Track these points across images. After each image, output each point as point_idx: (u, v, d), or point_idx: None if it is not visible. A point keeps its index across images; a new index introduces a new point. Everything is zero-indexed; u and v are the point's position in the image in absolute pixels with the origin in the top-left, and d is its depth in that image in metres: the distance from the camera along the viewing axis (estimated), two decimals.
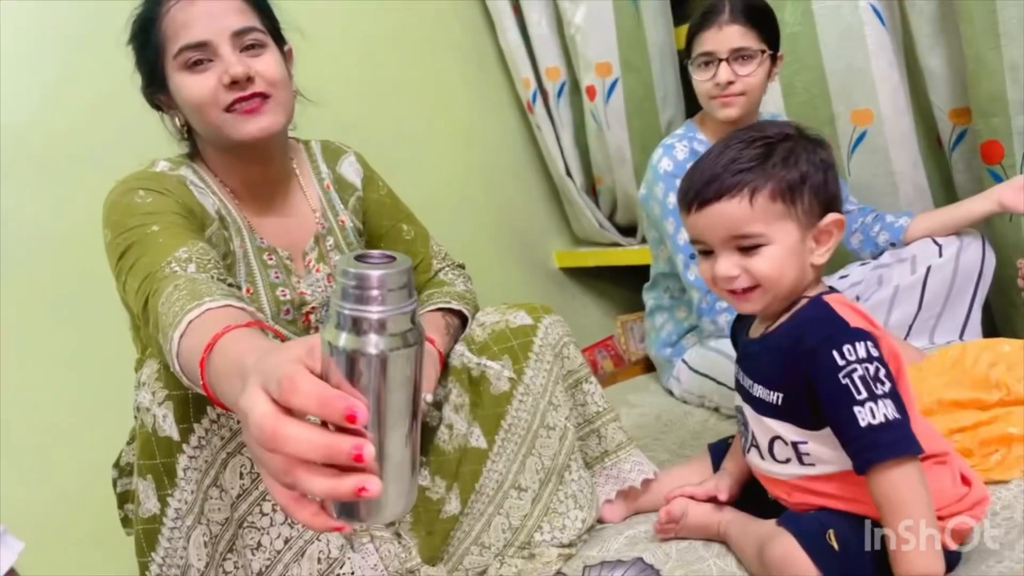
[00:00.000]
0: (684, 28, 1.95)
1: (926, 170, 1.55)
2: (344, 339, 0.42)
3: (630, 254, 2.09)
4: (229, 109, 0.86)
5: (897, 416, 0.72)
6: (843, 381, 0.73)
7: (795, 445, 0.81)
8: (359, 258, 0.43)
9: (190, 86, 0.86)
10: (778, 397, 0.80)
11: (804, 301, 0.81)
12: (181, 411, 0.72)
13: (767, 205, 0.77)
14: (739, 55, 1.28)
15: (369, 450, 0.41)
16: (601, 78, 1.96)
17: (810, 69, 1.56)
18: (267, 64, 0.88)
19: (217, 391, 0.56)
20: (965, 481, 0.79)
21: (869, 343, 0.74)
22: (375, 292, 0.42)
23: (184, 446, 0.72)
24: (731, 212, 0.77)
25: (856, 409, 0.72)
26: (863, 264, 1.44)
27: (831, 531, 0.76)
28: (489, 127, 2.19)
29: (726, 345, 1.38)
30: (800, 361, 0.76)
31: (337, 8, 1.76)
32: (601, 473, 1.02)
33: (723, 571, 0.85)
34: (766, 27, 1.31)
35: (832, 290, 0.83)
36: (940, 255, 1.33)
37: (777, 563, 0.77)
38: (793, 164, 0.78)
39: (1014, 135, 1.37)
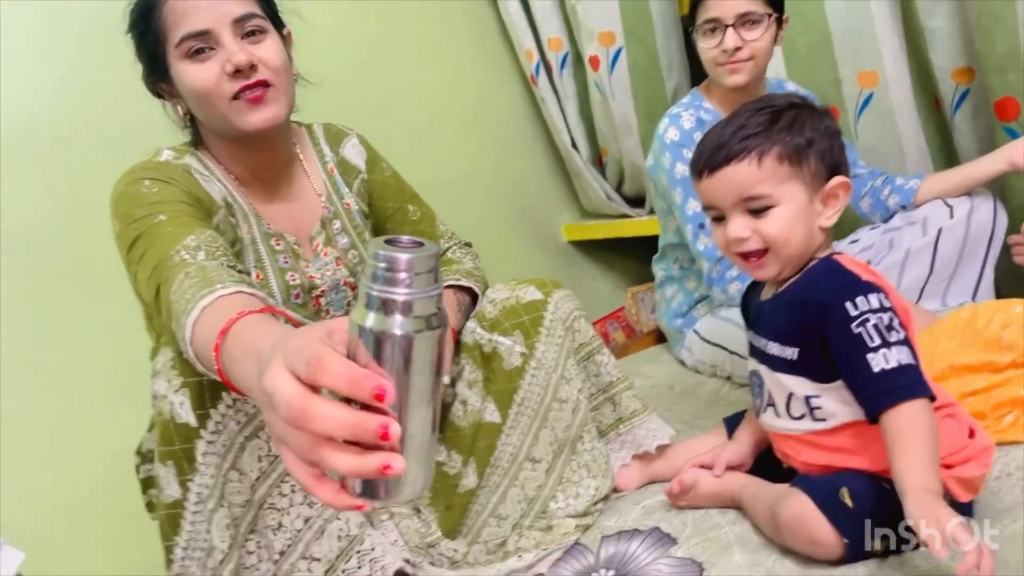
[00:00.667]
0: None
1: (926, 134, 1.53)
2: (372, 320, 0.44)
3: (638, 225, 2.08)
4: (234, 98, 0.86)
5: (911, 361, 0.74)
6: (856, 330, 0.75)
7: (807, 400, 0.82)
8: (389, 242, 0.45)
9: (193, 75, 0.86)
10: (793, 352, 0.82)
11: (814, 261, 0.83)
12: (197, 397, 0.73)
13: (774, 166, 0.80)
14: (745, 20, 1.26)
15: (395, 428, 0.42)
16: (605, 48, 1.94)
17: (815, 30, 1.53)
18: (269, 50, 0.88)
19: (231, 375, 0.57)
20: (971, 434, 0.81)
21: (881, 295, 0.76)
22: (403, 275, 0.43)
23: (202, 431, 0.73)
24: (740, 175, 0.81)
25: (869, 356, 0.74)
26: (873, 228, 1.43)
27: (844, 489, 0.77)
28: (493, 102, 2.17)
29: (737, 314, 1.38)
30: (814, 313, 0.79)
31: None
32: (616, 440, 1.03)
33: (739, 537, 0.86)
34: None
35: (836, 251, 0.85)
36: (951, 216, 1.32)
37: (791, 522, 0.78)
38: (799, 130, 0.81)
39: None
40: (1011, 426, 0.91)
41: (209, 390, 0.73)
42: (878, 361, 0.74)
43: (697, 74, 2.00)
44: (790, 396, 0.84)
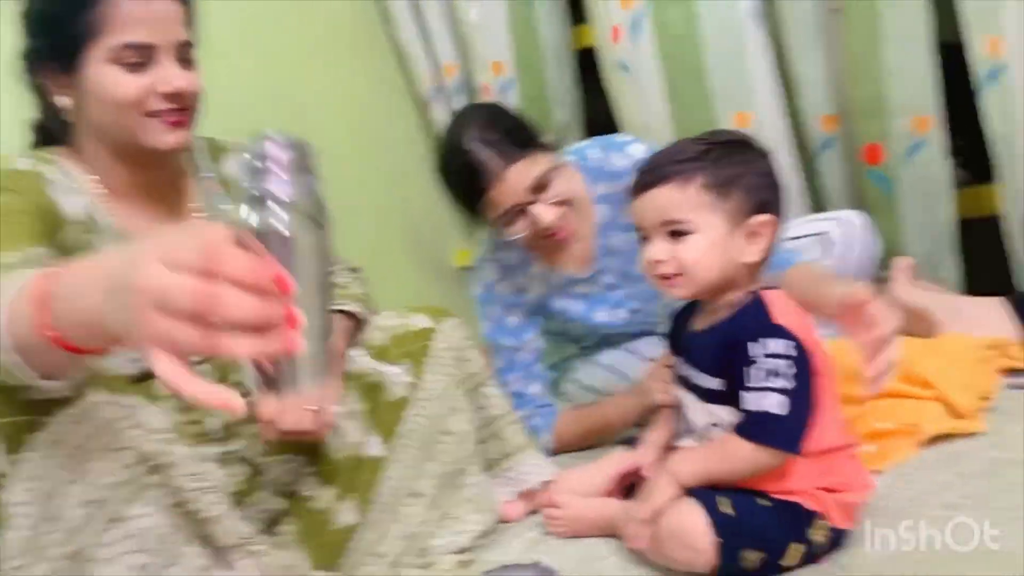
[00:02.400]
0: (581, 28, 1.99)
1: (796, 175, 1.63)
2: (254, 218, 0.45)
3: None
4: (150, 115, 0.85)
5: (779, 412, 0.77)
6: (749, 369, 0.79)
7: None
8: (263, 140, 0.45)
9: (119, 83, 0.83)
10: (720, 383, 0.84)
11: (746, 297, 0.85)
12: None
13: (697, 194, 0.82)
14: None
15: (300, 314, 0.43)
16: (496, 77, 1.96)
17: (693, 72, 1.58)
18: (196, 79, 0.89)
19: (72, 319, 0.53)
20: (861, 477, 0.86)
21: (786, 342, 0.79)
22: (281, 170, 0.44)
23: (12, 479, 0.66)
24: (663, 197, 0.83)
25: (745, 393, 0.79)
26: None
27: (724, 498, 0.80)
28: (388, 124, 2.14)
29: (615, 357, 1.41)
30: (732, 351, 0.81)
31: (229, 7, 1.67)
32: (501, 475, 1.02)
33: (624, 569, 0.87)
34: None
35: (770, 287, 0.87)
36: (829, 257, 1.34)
37: (674, 529, 0.79)
38: (728, 164, 0.83)
39: (893, 137, 1.46)
40: (870, 455, 0.97)
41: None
42: (749, 401, 0.79)
43: (588, 109, 2.06)
44: (711, 426, 0.87)
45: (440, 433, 0.94)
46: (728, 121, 1.60)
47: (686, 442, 0.91)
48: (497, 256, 1.28)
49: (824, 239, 1.36)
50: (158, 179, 0.93)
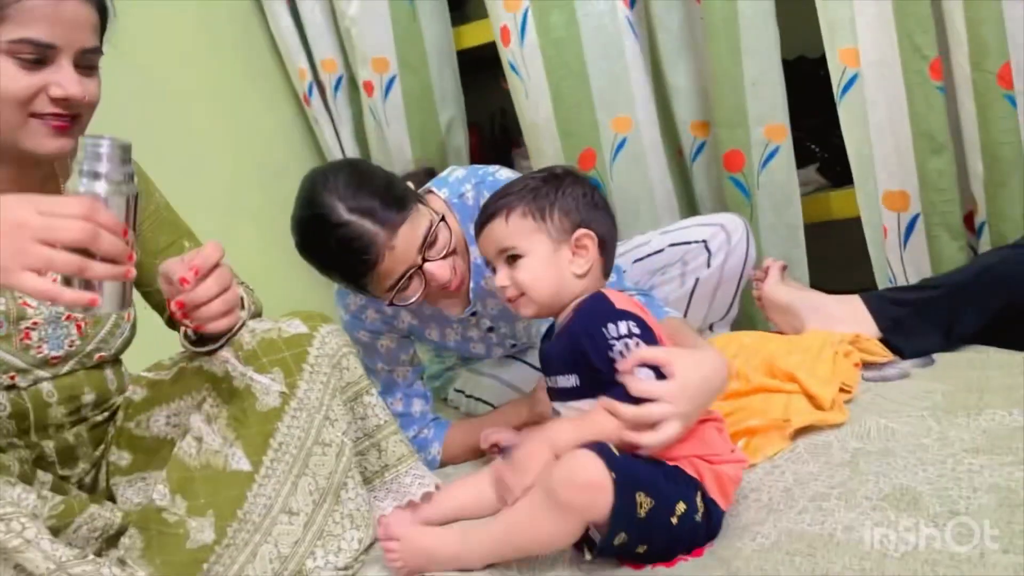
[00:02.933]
0: (462, 29, 1.97)
1: (672, 179, 1.69)
2: (81, 184, 0.70)
3: None
4: (35, 116, 0.82)
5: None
6: (611, 355, 0.84)
7: None
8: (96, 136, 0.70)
9: (11, 78, 0.79)
10: (575, 379, 0.89)
11: (583, 299, 0.91)
12: None
13: (519, 221, 0.92)
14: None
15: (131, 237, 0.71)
16: (379, 74, 1.90)
17: (575, 76, 1.60)
18: (95, 88, 0.87)
19: None
20: (732, 450, 0.90)
21: (631, 322, 0.85)
22: (101, 153, 0.70)
23: None
24: (495, 231, 0.93)
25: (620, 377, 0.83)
26: (638, 260, 1.44)
27: (611, 446, 0.80)
28: (262, 121, 2.04)
29: (499, 367, 1.41)
30: (580, 342, 0.87)
31: None
32: (381, 488, 0.98)
33: None
34: None
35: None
36: (708, 265, 1.38)
37: (566, 473, 0.78)
38: (545, 192, 0.93)
39: (752, 145, 1.54)
40: (744, 450, 1.00)
41: None
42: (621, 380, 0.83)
43: (471, 109, 2.05)
44: None
45: (316, 445, 0.88)
46: (608, 125, 1.64)
47: None
48: None
49: (705, 246, 1.40)
50: (23, 179, 0.87)
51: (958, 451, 0.90)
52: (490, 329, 1.28)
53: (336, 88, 2.03)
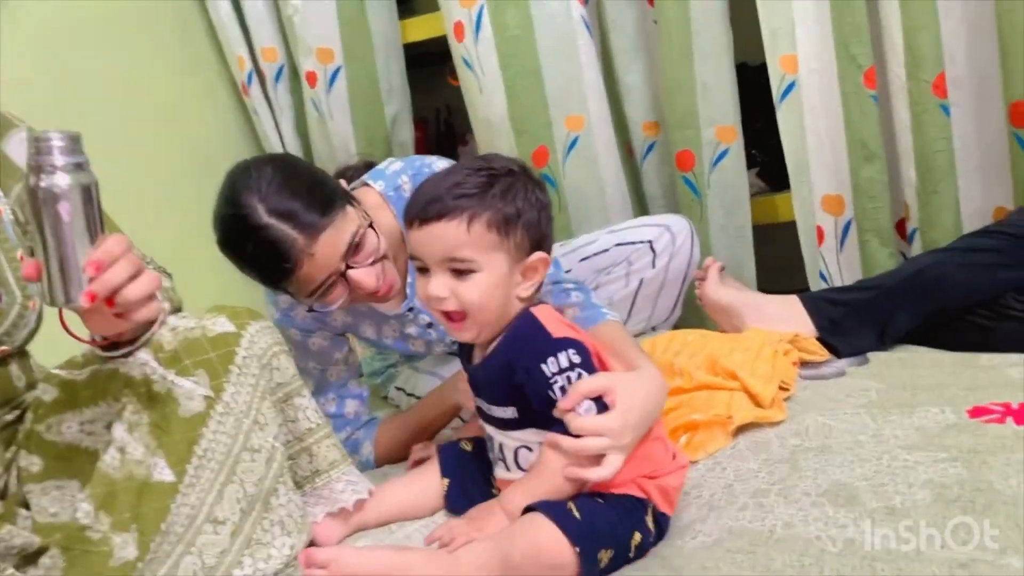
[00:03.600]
0: (408, 23, 1.94)
1: (624, 178, 1.69)
2: (42, 181, 0.68)
3: None
4: None
5: None
6: (548, 393, 0.80)
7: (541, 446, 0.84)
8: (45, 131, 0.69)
9: None
10: (512, 411, 0.84)
11: (514, 320, 0.86)
12: None
13: (483, 233, 0.81)
14: None
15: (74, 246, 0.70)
16: (323, 65, 1.85)
17: (530, 74, 1.60)
18: None
19: None
20: (673, 456, 0.88)
21: (571, 351, 0.81)
22: (56, 148, 0.68)
23: None
24: (448, 234, 0.81)
25: (568, 416, 0.79)
26: (584, 259, 1.45)
27: (570, 503, 0.79)
28: (198, 109, 1.96)
29: (439, 363, 1.38)
30: (517, 375, 0.82)
31: None
32: (312, 494, 0.93)
33: None
34: None
35: (540, 302, 0.88)
36: (653, 265, 1.40)
37: (531, 553, 0.75)
38: (511, 199, 0.82)
39: (703, 146, 1.55)
40: (686, 446, 1.00)
41: None
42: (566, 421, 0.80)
43: (417, 102, 2.01)
44: (517, 450, 0.86)
45: (244, 451, 0.83)
46: (561, 123, 1.63)
47: (499, 469, 0.90)
48: None
49: (650, 246, 1.41)
50: None
51: (893, 447, 0.91)
52: (429, 325, 1.25)
53: (277, 78, 1.97)
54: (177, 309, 0.98)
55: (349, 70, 1.85)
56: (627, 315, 1.41)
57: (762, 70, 1.60)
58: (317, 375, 1.20)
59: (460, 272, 0.81)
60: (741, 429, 1.03)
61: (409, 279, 1.16)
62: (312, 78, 1.87)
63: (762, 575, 0.73)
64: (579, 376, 0.80)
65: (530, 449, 0.86)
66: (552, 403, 0.80)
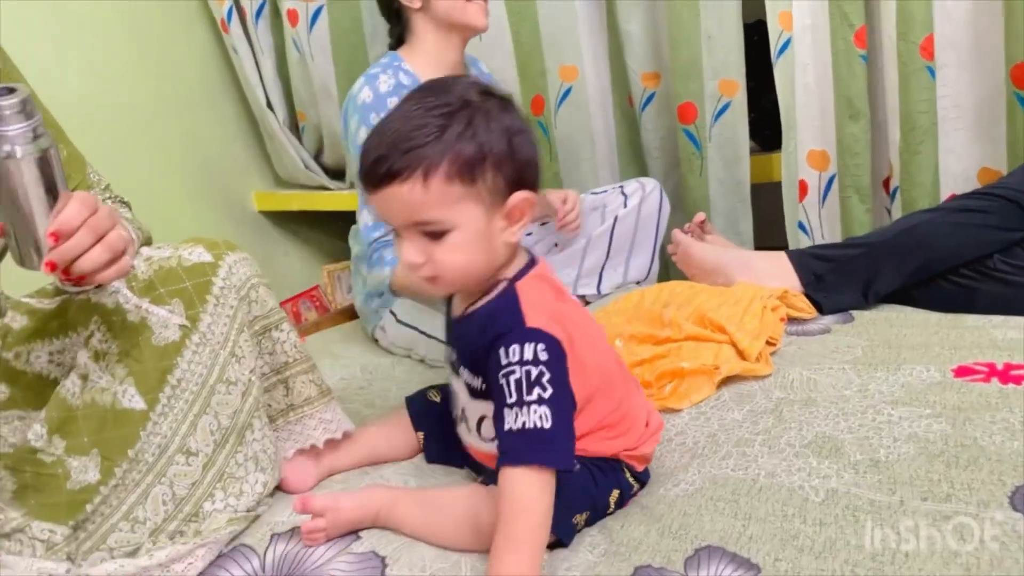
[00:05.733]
0: None
1: (617, 128, 1.67)
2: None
3: (338, 199, 1.97)
4: None
5: (542, 426, 0.68)
6: (500, 381, 0.70)
7: None
8: None
9: None
10: (481, 381, 0.77)
11: (501, 285, 0.76)
12: None
13: (444, 188, 0.69)
14: None
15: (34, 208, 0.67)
16: (304, 2, 1.78)
17: (528, 21, 1.59)
18: None
19: None
20: (647, 423, 0.83)
21: (539, 345, 0.70)
22: (5, 114, 0.64)
23: None
24: (405, 196, 0.69)
25: (504, 411, 0.70)
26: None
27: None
28: (175, 43, 1.88)
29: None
30: (485, 354, 0.73)
31: None
32: (284, 428, 0.91)
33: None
34: None
35: (532, 262, 0.78)
36: (625, 205, 1.46)
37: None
38: (470, 136, 0.69)
39: (706, 98, 1.52)
40: (671, 394, 1.00)
41: None
42: (508, 419, 0.69)
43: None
44: (481, 419, 0.81)
45: (219, 383, 0.81)
46: (555, 72, 1.60)
47: (462, 430, 0.85)
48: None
49: (621, 190, 1.49)
50: None
51: (878, 403, 0.91)
52: None
53: (257, 15, 1.89)
54: (147, 241, 0.94)
55: (331, 9, 1.79)
56: (606, 253, 1.47)
57: (756, 28, 1.58)
58: None
59: (431, 234, 0.71)
60: (726, 381, 1.02)
61: None
62: (293, 16, 1.80)
63: (744, 523, 0.73)
64: (537, 374, 0.69)
65: (492, 422, 0.79)
66: (497, 392, 0.71)
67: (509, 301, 0.74)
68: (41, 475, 0.75)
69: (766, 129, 1.71)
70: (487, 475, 0.81)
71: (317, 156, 2.04)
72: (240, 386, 0.82)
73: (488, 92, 0.73)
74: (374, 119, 1.24)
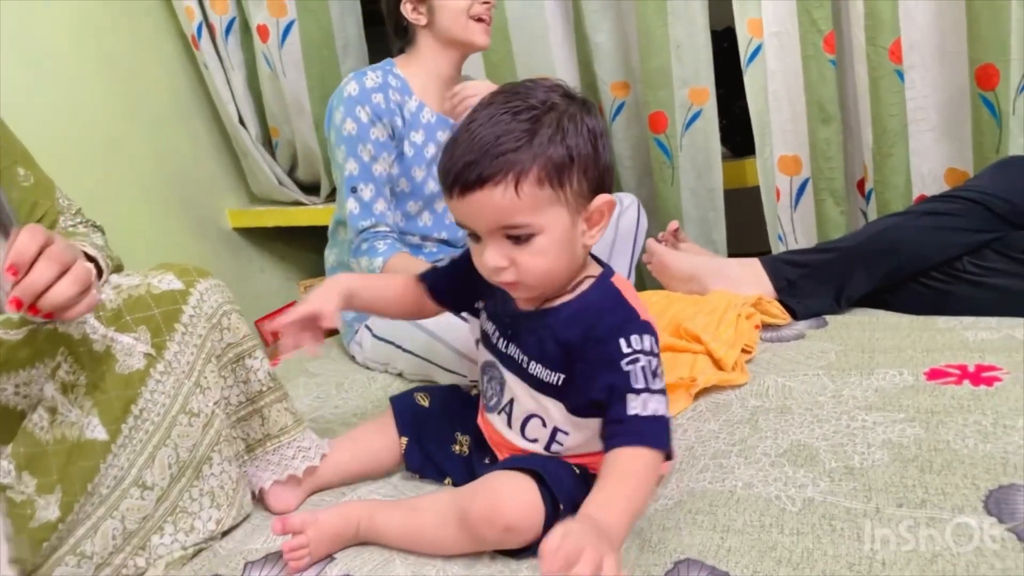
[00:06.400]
0: None
1: None
2: None
3: (313, 213, 1.96)
4: None
5: (664, 414, 0.72)
6: (626, 368, 0.71)
7: (555, 431, 0.80)
8: None
9: None
10: (559, 378, 0.77)
11: (588, 281, 0.77)
12: None
13: (534, 192, 0.69)
14: None
15: None
16: (275, 18, 1.77)
17: (498, 32, 1.58)
18: None
19: None
20: None
21: (653, 338, 0.74)
22: None
23: None
24: (495, 201, 0.69)
25: (630, 396, 0.71)
26: None
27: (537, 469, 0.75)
28: (147, 63, 1.87)
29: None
30: (588, 347, 0.74)
31: None
32: (262, 457, 0.90)
33: (400, 550, 0.80)
34: None
35: (609, 268, 0.80)
36: None
37: (492, 503, 0.72)
38: (560, 140, 0.70)
39: (676, 107, 1.53)
40: None
41: None
42: (635, 405, 0.71)
43: (375, 58, 1.94)
44: (530, 416, 0.80)
45: (181, 414, 0.79)
46: None
47: (498, 419, 0.85)
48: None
49: None
50: None
51: (852, 408, 0.91)
52: None
53: (227, 31, 1.88)
54: (117, 268, 0.93)
55: (302, 24, 1.78)
56: None
57: (725, 35, 1.59)
58: (368, 160, 1.28)
59: (517, 238, 0.71)
60: (702, 391, 1.02)
61: None
62: (264, 32, 1.79)
63: (722, 536, 0.73)
64: (656, 365, 0.72)
65: (543, 423, 0.80)
66: (620, 377, 0.71)
67: (612, 296, 0.76)
68: (11, 515, 0.73)
69: (737, 135, 1.72)
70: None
71: (291, 172, 2.03)
72: (202, 418, 0.81)
73: (570, 95, 0.74)
74: (359, 111, 1.28)
